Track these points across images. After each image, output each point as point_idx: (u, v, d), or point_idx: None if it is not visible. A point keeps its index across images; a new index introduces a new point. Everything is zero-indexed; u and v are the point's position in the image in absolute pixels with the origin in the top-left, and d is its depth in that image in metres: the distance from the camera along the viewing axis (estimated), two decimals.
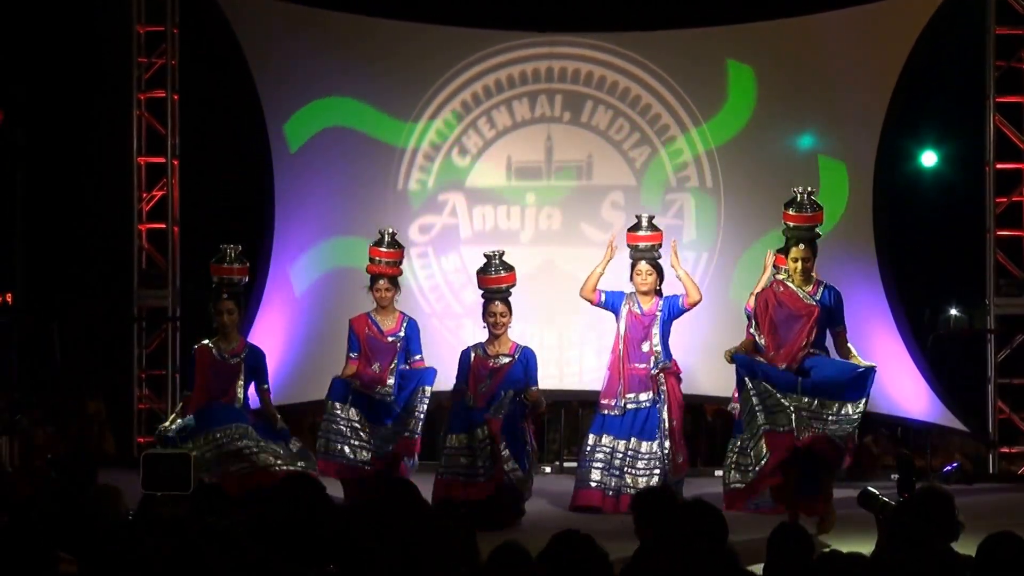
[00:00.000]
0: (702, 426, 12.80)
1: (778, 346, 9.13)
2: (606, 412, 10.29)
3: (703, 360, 11.50)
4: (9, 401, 12.32)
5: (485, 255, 10.05)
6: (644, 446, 10.15)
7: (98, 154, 13.54)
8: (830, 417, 8.88)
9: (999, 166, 12.29)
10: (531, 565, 4.69)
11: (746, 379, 9.03)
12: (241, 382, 9.75)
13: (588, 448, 10.29)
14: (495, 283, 9.89)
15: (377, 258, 10.19)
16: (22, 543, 4.67)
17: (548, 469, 12.23)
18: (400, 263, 10.33)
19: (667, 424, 10.17)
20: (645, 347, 10.28)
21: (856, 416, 8.90)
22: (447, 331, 12.30)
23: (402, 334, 10.10)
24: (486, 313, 9.89)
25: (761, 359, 9.17)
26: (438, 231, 12.46)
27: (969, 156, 12.73)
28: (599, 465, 10.19)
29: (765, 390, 8.93)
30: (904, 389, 11.92)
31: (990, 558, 4.77)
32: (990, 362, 12.28)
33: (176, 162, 12.96)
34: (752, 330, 9.45)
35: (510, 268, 9.96)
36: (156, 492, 7.08)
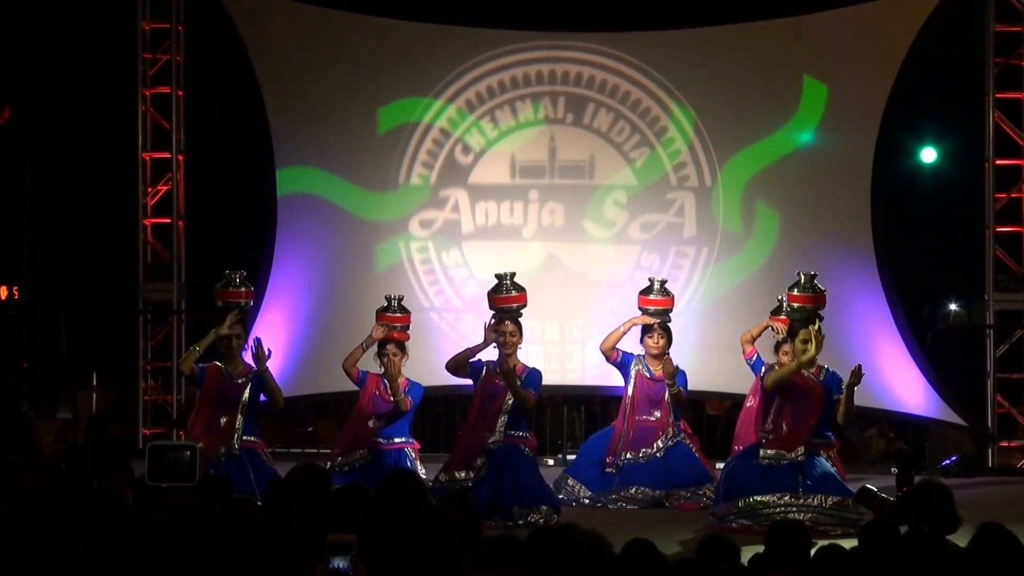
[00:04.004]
0: (702, 420, 12.86)
1: (789, 427, 9.06)
2: (608, 470, 10.19)
3: (703, 356, 11.56)
4: (16, 393, 12.41)
5: (497, 275, 9.93)
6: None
7: (104, 149, 13.64)
8: (825, 510, 8.73)
9: (998, 162, 12.32)
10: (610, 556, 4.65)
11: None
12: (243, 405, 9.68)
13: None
14: (505, 302, 9.80)
15: (386, 324, 10.05)
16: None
17: (551, 462, 12.30)
18: (408, 328, 10.16)
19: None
20: (656, 413, 10.28)
21: (853, 515, 8.54)
22: (446, 324, 12.36)
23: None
24: (496, 333, 9.80)
25: (765, 452, 9.08)
26: (439, 226, 12.53)
27: (968, 152, 12.80)
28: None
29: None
30: (903, 384, 11.97)
31: (980, 550, 4.84)
32: (989, 357, 12.35)
33: (181, 157, 13.04)
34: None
35: (521, 289, 9.85)
36: (161, 484, 7.10)
